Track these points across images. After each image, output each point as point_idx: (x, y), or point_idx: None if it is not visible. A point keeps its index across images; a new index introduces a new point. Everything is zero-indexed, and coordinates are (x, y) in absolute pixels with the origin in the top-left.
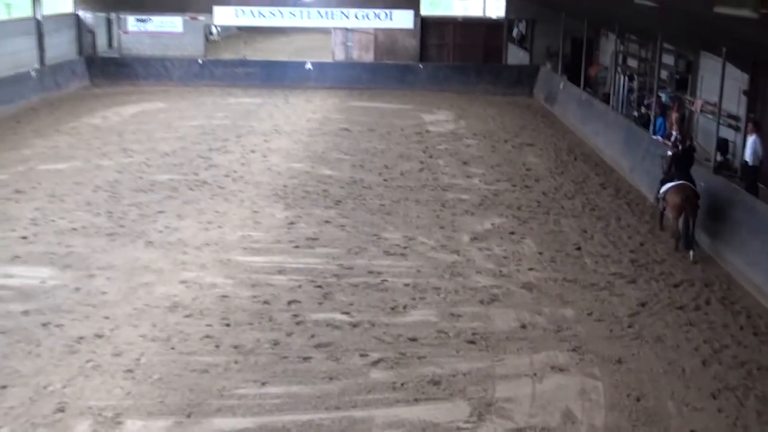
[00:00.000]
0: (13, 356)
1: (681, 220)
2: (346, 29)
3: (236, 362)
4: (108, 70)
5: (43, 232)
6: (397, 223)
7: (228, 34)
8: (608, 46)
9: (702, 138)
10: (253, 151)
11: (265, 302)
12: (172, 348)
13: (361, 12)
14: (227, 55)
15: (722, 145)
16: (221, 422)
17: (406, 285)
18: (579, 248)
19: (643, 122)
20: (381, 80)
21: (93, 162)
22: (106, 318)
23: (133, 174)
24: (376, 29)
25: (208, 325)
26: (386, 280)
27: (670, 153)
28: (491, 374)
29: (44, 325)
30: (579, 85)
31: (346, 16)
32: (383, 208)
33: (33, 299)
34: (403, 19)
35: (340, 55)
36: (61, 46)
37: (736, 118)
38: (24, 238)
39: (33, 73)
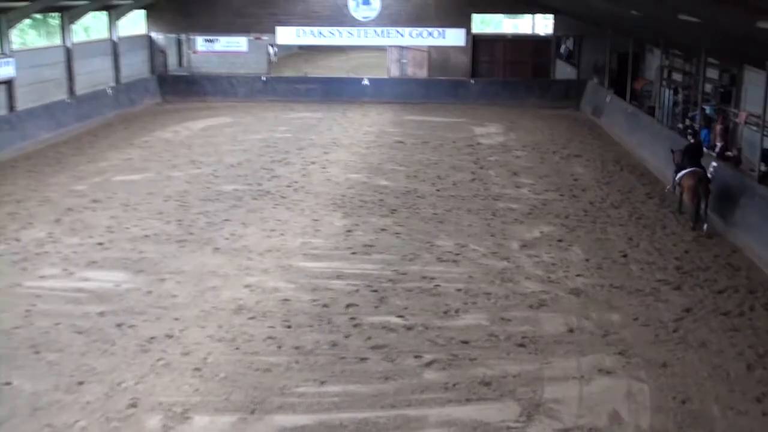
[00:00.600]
0: (89, 354)
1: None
2: (401, 47)
3: (297, 362)
4: (178, 87)
5: (117, 239)
6: (450, 231)
7: (290, 52)
8: (653, 61)
9: (746, 149)
10: (313, 163)
11: (325, 306)
12: (237, 348)
13: (415, 30)
14: (289, 73)
15: (766, 155)
16: (282, 419)
17: (458, 290)
18: (625, 255)
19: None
20: (434, 95)
21: (164, 173)
22: (176, 319)
23: (201, 184)
24: (429, 47)
25: (270, 327)
26: (439, 285)
27: (677, 148)
28: (540, 376)
29: (118, 325)
30: (625, 99)
31: (401, 35)
32: (436, 217)
33: (108, 301)
34: (455, 37)
35: (395, 72)
36: (135, 66)
37: None
38: (100, 244)
39: (109, 91)
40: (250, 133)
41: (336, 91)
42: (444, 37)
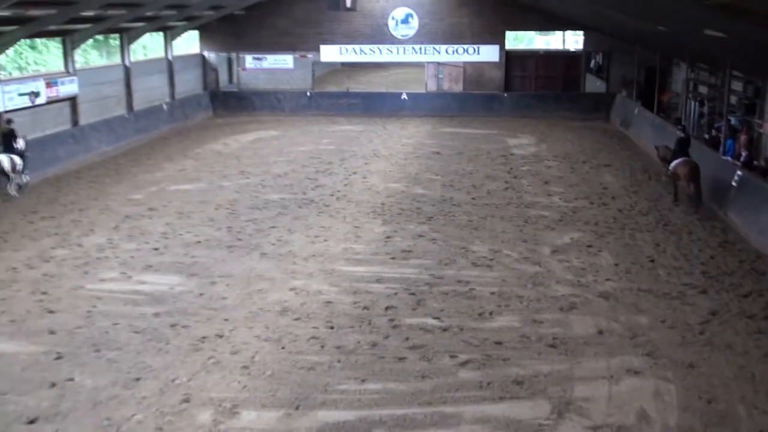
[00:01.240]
0: (145, 353)
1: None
2: (438, 63)
3: (339, 361)
4: (228, 102)
5: (172, 245)
6: (484, 237)
7: (333, 69)
8: (679, 74)
9: None
10: (354, 173)
11: (365, 308)
12: (283, 348)
13: (451, 47)
14: (332, 88)
15: None
16: (325, 414)
17: (492, 293)
18: (653, 260)
19: (714, 144)
20: (469, 108)
21: (215, 183)
22: (226, 320)
23: (250, 193)
24: (465, 63)
25: (314, 328)
26: (474, 289)
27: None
28: (570, 376)
29: (172, 326)
30: (652, 111)
31: (438, 52)
32: (471, 224)
33: (163, 303)
34: (489, 53)
35: (432, 87)
36: (189, 83)
37: None
38: (156, 249)
39: (165, 107)
40: (296, 145)
41: (376, 105)
42: (478, 54)
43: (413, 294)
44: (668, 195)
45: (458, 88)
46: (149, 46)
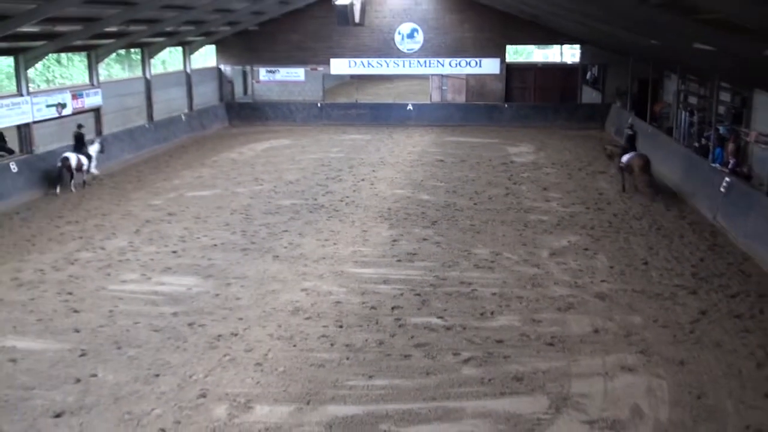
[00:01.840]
0: (164, 350)
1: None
2: (442, 75)
3: (348, 358)
4: (243, 113)
5: (189, 248)
6: (486, 240)
7: (342, 81)
8: (671, 86)
9: (757, 166)
10: (362, 180)
11: (373, 308)
12: (294, 345)
13: (454, 61)
14: (341, 99)
15: None
16: (335, 409)
17: (493, 294)
18: (646, 263)
19: (703, 152)
20: (471, 118)
21: (230, 189)
22: (240, 319)
23: (263, 199)
24: (467, 75)
25: (324, 327)
26: (476, 290)
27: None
28: (567, 372)
29: (190, 324)
30: (645, 120)
31: (442, 65)
32: (473, 228)
33: (181, 303)
34: (490, 66)
35: (436, 98)
36: (206, 94)
37: None
38: (174, 252)
39: (183, 117)
40: (307, 154)
41: (383, 116)
42: (480, 66)
43: (418, 294)
44: (617, 186)
45: (461, 99)
46: (168, 59)
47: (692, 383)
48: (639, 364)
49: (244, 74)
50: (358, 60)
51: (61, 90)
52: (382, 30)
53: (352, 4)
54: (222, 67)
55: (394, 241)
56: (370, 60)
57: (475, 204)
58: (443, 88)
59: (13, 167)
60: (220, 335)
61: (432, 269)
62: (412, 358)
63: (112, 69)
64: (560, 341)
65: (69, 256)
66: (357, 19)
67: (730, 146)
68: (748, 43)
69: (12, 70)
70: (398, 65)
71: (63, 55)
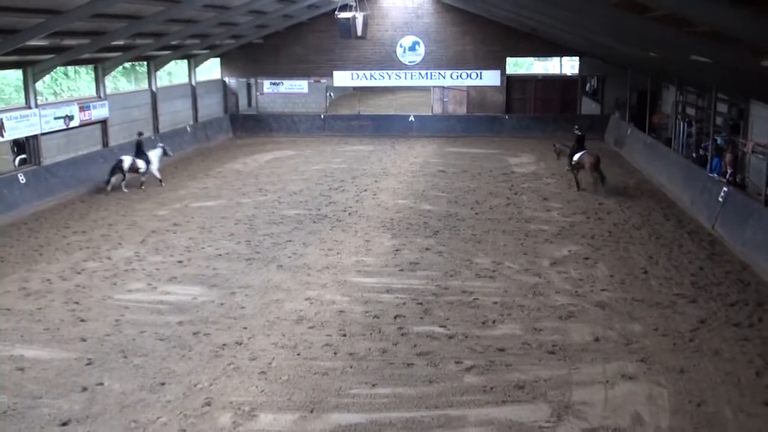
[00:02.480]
0: (169, 359)
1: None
2: (443, 87)
3: (351, 367)
4: (247, 124)
5: (195, 258)
6: (487, 250)
7: (345, 93)
8: (669, 97)
9: (753, 175)
10: (365, 190)
11: (375, 317)
12: (298, 354)
13: (455, 72)
14: (344, 111)
15: None
16: (338, 417)
17: (495, 303)
18: (646, 272)
19: (701, 162)
20: (472, 129)
21: (235, 200)
22: (245, 328)
23: (267, 210)
24: (468, 87)
25: (327, 335)
26: (477, 299)
27: (559, 144)
28: (569, 381)
29: (195, 333)
30: (644, 131)
31: (443, 76)
32: (475, 238)
33: (186, 312)
34: (491, 78)
35: (437, 109)
36: (211, 106)
37: None
38: (180, 262)
39: (188, 129)
40: (310, 164)
41: (385, 127)
42: (481, 78)
43: (420, 303)
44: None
45: (462, 110)
46: (174, 72)
47: (692, 391)
48: (639, 372)
49: (249, 86)
50: (360, 72)
51: (68, 102)
52: (384, 43)
53: (354, 18)
54: (226, 79)
55: (397, 250)
56: (373, 72)
57: (476, 214)
58: (444, 99)
59: (22, 178)
60: (224, 344)
61: (434, 278)
62: (414, 366)
63: (118, 82)
64: (561, 350)
65: (76, 266)
66: (359, 32)
67: (728, 156)
68: (744, 55)
69: (21, 83)
70: (400, 77)
71: (70, 68)
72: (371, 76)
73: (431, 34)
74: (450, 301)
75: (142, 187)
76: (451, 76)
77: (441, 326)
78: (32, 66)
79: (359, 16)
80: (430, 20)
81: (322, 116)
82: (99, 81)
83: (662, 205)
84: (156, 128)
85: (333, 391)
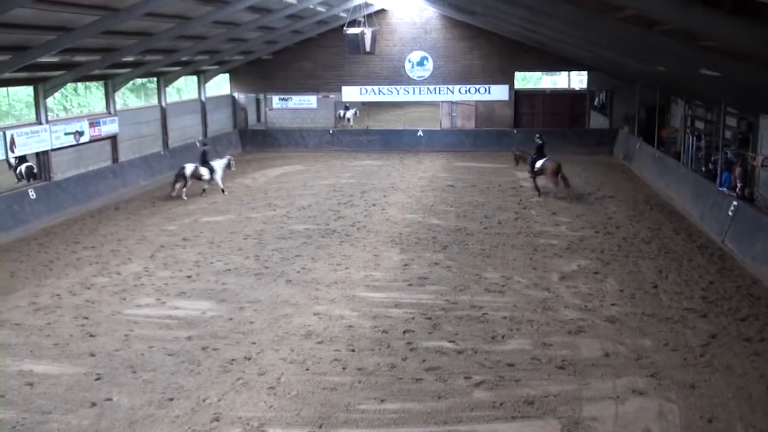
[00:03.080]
0: (178, 374)
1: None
2: (452, 102)
3: (360, 382)
4: (256, 139)
5: (204, 272)
6: (496, 264)
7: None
8: (678, 111)
9: (763, 189)
10: (374, 205)
11: (384, 331)
12: (307, 369)
13: (464, 87)
14: (353, 126)
15: None
16: None
17: (504, 318)
18: (656, 286)
19: (711, 176)
20: (481, 144)
21: (244, 215)
22: (253, 343)
23: (276, 224)
24: (476, 101)
25: (336, 350)
26: (487, 314)
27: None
28: (579, 396)
29: (204, 348)
30: (653, 145)
31: (452, 91)
32: (484, 252)
33: (195, 327)
34: (499, 93)
35: (446, 124)
36: (220, 122)
37: None
38: (189, 277)
39: (198, 144)
40: (319, 179)
41: (394, 142)
42: (489, 93)
43: (429, 318)
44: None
45: (471, 125)
46: (184, 88)
47: (703, 407)
48: (650, 388)
49: (258, 102)
50: (369, 87)
51: (78, 118)
52: (393, 58)
53: (363, 33)
54: (236, 94)
55: (406, 265)
56: (381, 87)
57: (485, 228)
58: (453, 114)
59: (32, 194)
60: (233, 359)
61: (443, 293)
62: (423, 381)
63: (127, 98)
64: (571, 365)
65: (85, 281)
66: (368, 47)
67: (738, 170)
68: (754, 70)
69: (31, 99)
70: (408, 92)
71: (81, 84)
72: (380, 91)
73: (439, 49)
74: (459, 315)
75: (224, 192)
76: (459, 91)
77: (450, 341)
78: (43, 82)
79: (368, 32)
80: (438, 35)
81: (331, 131)
82: (109, 97)
83: (672, 219)
84: (166, 143)
85: (342, 406)
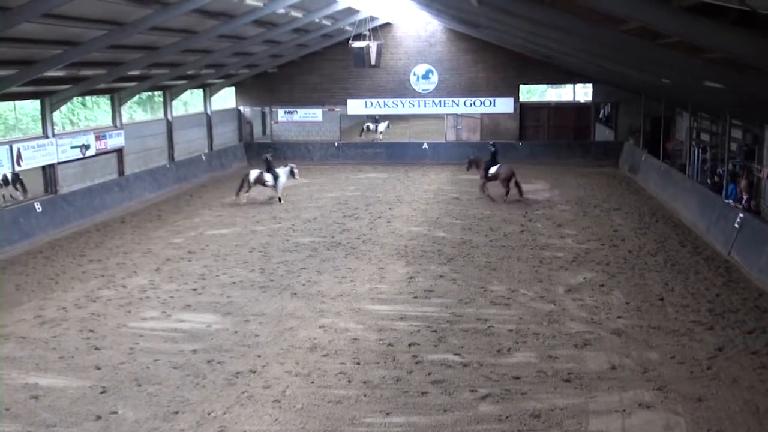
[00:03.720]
0: (183, 387)
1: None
2: (457, 114)
3: (365, 395)
4: (262, 152)
5: (209, 285)
6: (501, 277)
7: (359, 121)
8: (683, 123)
9: None
10: (379, 218)
11: (390, 344)
12: (312, 382)
13: (469, 100)
14: (358, 139)
15: None
16: None
17: (510, 330)
18: (662, 299)
19: (716, 188)
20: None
21: (249, 228)
22: (258, 356)
23: (281, 237)
24: (481, 114)
25: (341, 363)
26: (492, 326)
27: (473, 156)
28: (585, 409)
29: (209, 361)
30: (658, 157)
31: (457, 104)
32: (489, 265)
33: (200, 340)
34: (504, 105)
35: (451, 137)
36: (226, 135)
37: None
38: (194, 290)
39: (203, 157)
40: (324, 192)
41: (399, 155)
42: (494, 106)
43: (435, 331)
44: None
45: (476, 137)
46: (190, 101)
47: (710, 420)
48: (656, 401)
49: (263, 115)
50: (374, 100)
51: (84, 132)
52: (398, 71)
53: (368, 47)
54: (241, 108)
55: (411, 278)
56: (386, 100)
57: (490, 241)
58: (458, 127)
59: (38, 207)
60: (238, 372)
61: (448, 306)
62: (429, 394)
63: (133, 112)
64: (577, 378)
65: (91, 294)
66: (373, 60)
67: (743, 182)
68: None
69: (38, 113)
70: (413, 105)
71: (87, 97)
72: (385, 104)
73: (444, 62)
74: (464, 328)
75: (272, 201)
76: (464, 104)
77: (455, 354)
78: (50, 96)
79: (373, 45)
80: (443, 48)
81: (336, 144)
82: (115, 110)
83: (678, 231)
84: (171, 156)
85: (347, 419)
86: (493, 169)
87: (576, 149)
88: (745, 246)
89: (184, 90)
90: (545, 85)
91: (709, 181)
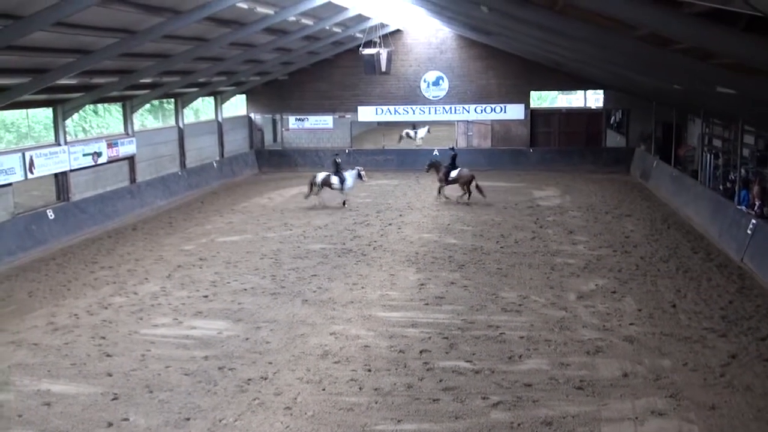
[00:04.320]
0: (195, 394)
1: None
2: (468, 121)
3: (376, 402)
4: (273, 159)
5: (220, 292)
6: (513, 284)
7: (369, 128)
8: (695, 129)
9: None
10: (390, 224)
11: (401, 351)
12: (323, 389)
13: (479, 107)
14: (369, 146)
15: None
16: None
17: (521, 337)
18: (674, 306)
19: (729, 194)
20: (497, 163)
21: (260, 235)
22: (270, 363)
23: (292, 244)
24: (492, 120)
25: (352, 370)
26: (504, 333)
27: (433, 160)
28: (597, 417)
29: (220, 368)
30: (670, 164)
31: (467, 111)
32: (500, 271)
33: (211, 347)
34: (515, 112)
35: (462, 143)
36: (237, 142)
37: None
38: (205, 297)
39: (215, 164)
40: (335, 199)
41: (410, 161)
42: (505, 112)
43: (446, 338)
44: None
45: (486, 144)
46: (201, 109)
47: (723, 428)
48: (669, 409)
49: (274, 122)
50: (384, 107)
51: (96, 139)
52: (408, 78)
53: (378, 54)
54: (252, 115)
55: (422, 284)
56: (397, 107)
57: (501, 247)
58: (469, 133)
59: (51, 214)
60: (249, 379)
61: (460, 313)
62: (440, 402)
63: (145, 119)
64: (589, 385)
65: (103, 301)
66: (383, 67)
67: (756, 188)
68: None
69: (50, 121)
70: (424, 112)
71: (99, 105)
72: (395, 111)
73: (455, 69)
74: (476, 335)
75: (345, 204)
76: (475, 111)
77: (467, 361)
78: (62, 104)
79: (383, 52)
80: (454, 55)
81: (347, 151)
82: (127, 118)
83: (690, 237)
84: (183, 164)
85: (358, 427)
86: (454, 173)
87: (587, 155)
88: (758, 252)
89: (196, 98)
90: (556, 92)
91: (721, 187)
